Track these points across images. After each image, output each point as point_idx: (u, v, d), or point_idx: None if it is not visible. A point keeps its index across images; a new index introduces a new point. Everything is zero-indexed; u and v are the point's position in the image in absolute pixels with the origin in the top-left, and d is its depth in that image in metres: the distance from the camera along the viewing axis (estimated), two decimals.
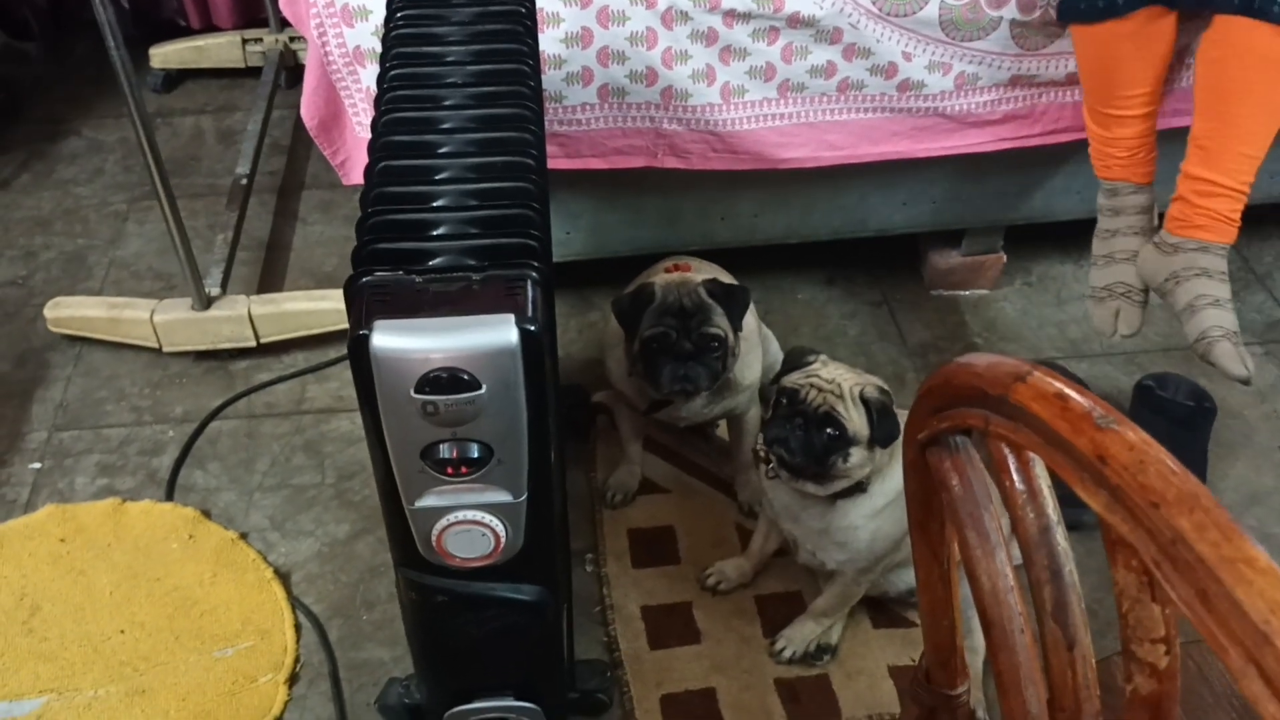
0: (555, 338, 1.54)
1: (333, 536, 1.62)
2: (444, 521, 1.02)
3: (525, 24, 1.30)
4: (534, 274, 0.96)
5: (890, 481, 1.37)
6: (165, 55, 2.51)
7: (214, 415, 1.79)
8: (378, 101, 1.19)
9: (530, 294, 0.94)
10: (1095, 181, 1.86)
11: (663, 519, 1.66)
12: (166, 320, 1.81)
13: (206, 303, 1.82)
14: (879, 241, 1.98)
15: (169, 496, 1.67)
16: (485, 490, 1.01)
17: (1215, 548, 0.40)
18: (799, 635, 1.47)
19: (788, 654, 1.47)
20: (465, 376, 0.91)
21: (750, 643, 1.51)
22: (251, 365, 1.88)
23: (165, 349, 1.85)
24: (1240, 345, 1.53)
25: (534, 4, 1.32)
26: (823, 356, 1.38)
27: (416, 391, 0.91)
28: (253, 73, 2.52)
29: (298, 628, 1.51)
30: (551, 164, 1.66)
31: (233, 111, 2.49)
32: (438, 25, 1.27)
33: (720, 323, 1.46)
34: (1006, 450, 0.52)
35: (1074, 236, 1.93)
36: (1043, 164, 1.85)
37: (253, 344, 1.85)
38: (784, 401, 1.34)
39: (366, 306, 0.92)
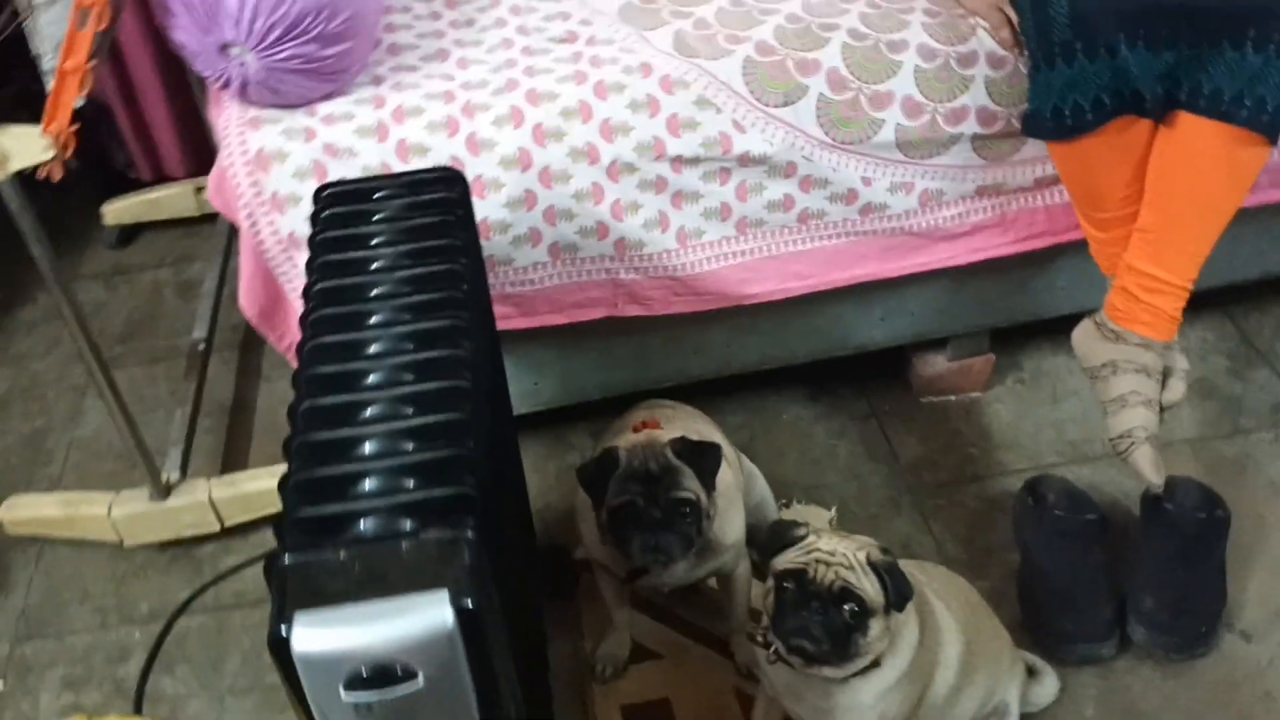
0: (516, 520, 1.46)
1: None
2: None
3: (457, 210, 1.23)
4: (469, 534, 0.88)
5: (901, 655, 1.28)
6: (118, 211, 2.45)
7: (180, 611, 1.70)
8: (303, 321, 1.12)
9: (466, 561, 0.86)
10: (1079, 276, 1.80)
11: (657, 690, 1.56)
12: (125, 515, 1.74)
13: (165, 491, 1.74)
14: (863, 352, 1.91)
15: (137, 709, 1.58)
16: None
17: None
18: None
19: None
20: (398, 668, 0.83)
21: None
22: (218, 548, 1.80)
23: (126, 543, 1.77)
24: (1160, 450, 1.50)
25: (466, 187, 1.25)
26: (811, 526, 1.30)
27: (347, 690, 0.83)
28: (210, 219, 2.46)
29: None
30: (508, 324, 1.60)
31: (191, 262, 2.43)
32: (364, 224, 1.20)
33: (690, 485, 1.37)
34: None
35: (1063, 328, 1.84)
36: (1021, 266, 1.78)
37: (217, 529, 1.77)
38: (789, 586, 1.25)
39: (286, 596, 0.84)
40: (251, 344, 2.22)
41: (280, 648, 0.82)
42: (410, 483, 0.94)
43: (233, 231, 2.37)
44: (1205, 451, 1.82)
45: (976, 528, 1.75)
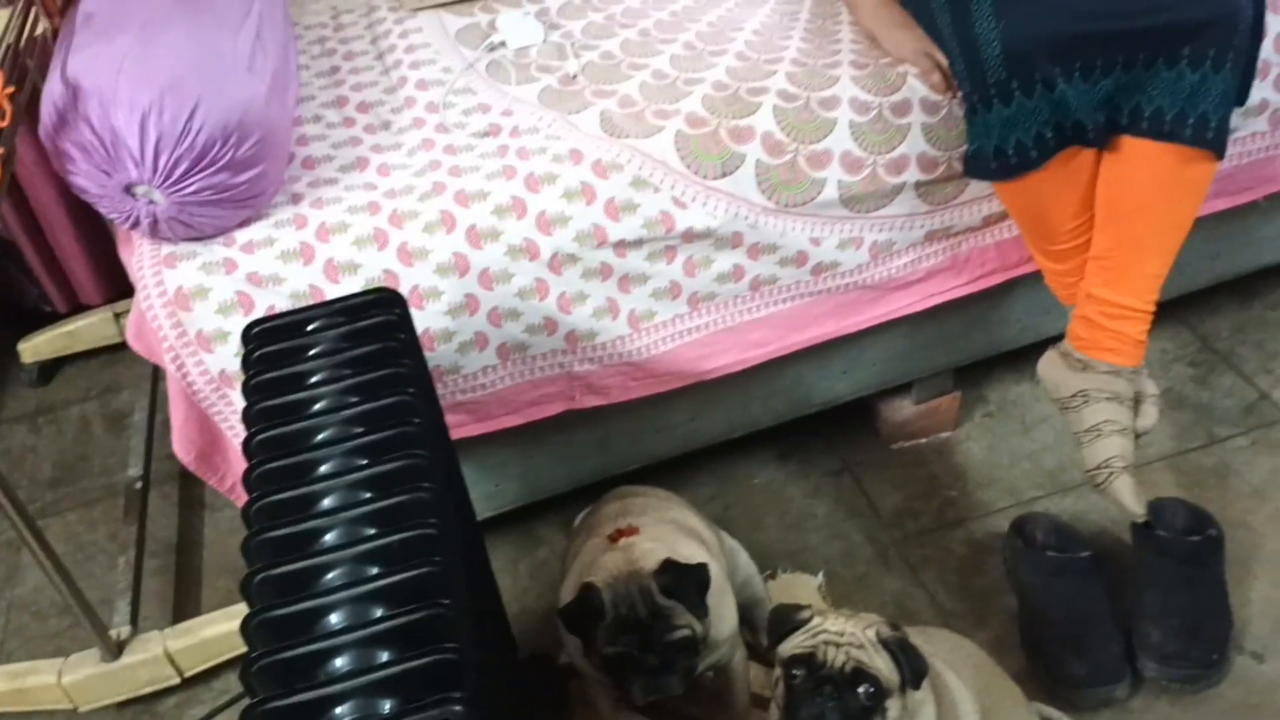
0: (493, 635, 1.38)
1: None
2: None
3: (398, 334, 1.16)
4: (458, 708, 0.80)
5: None
6: (36, 347, 2.34)
7: None
8: (246, 478, 1.04)
9: None
10: (1035, 306, 1.77)
11: None
12: (76, 680, 1.62)
13: (117, 649, 1.63)
14: None
15: None
16: None
17: None
18: None
19: None
20: None
21: None
22: (181, 701, 1.69)
23: (81, 709, 1.65)
24: (1138, 479, 1.47)
25: (405, 307, 1.18)
26: (813, 607, 1.23)
27: None
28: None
29: None
30: (462, 432, 1.52)
31: (118, 392, 2.32)
32: (300, 363, 1.13)
33: (683, 621, 1.30)
34: None
35: (1024, 355, 1.82)
36: (978, 303, 1.74)
37: (176, 681, 1.66)
38: (799, 673, 1.18)
39: None
40: (191, 474, 2.11)
41: None
42: (385, 655, 0.86)
43: None
44: (1184, 465, 1.80)
45: (968, 574, 1.70)
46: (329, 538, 0.95)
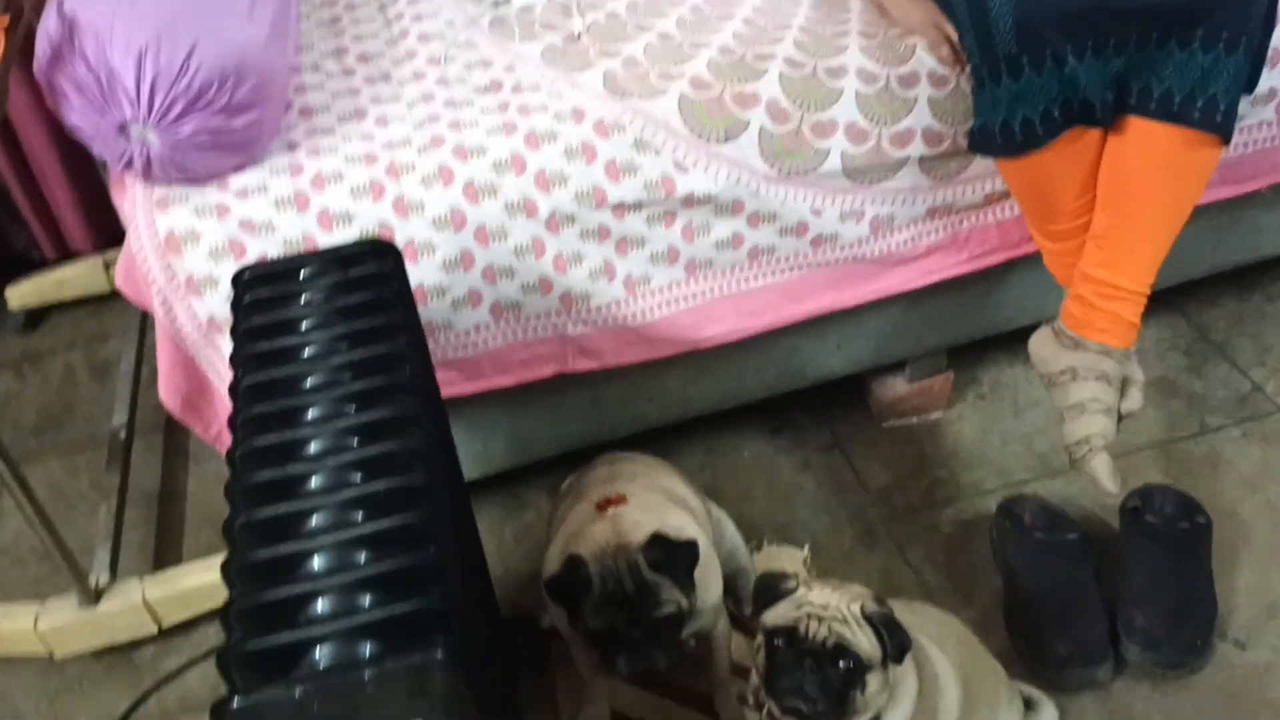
0: (479, 595, 1.37)
1: None
2: None
3: (391, 285, 1.14)
4: (439, 653, 0.79)
5: (900, 708, 1.21)
6: (23, 294, 2.31)
7: None
8: (232, 422, 1.03)
9: (438, 687, 0.78)
10: (1033, 288, 1.76)
11: None
12: (53, 626, 1.61)
13: (95, 596, 1.62)
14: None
15: None
16: None
17: None
18: None
19: None
20: None
21: None
22: (158, 650, 1.68)
23: (58, 655, 1.64)
24: (1116, 459, 1.47)
25: (399, 258, 1.17)
26: (800, 577, 1.23)
27: None
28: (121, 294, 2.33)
29: None
30: (453, 390, 1.51)
31: (105, 341, 2.29)
32: (291, 308, 1.11)
33: (670, 598, 1.29)
34: None
35: (1019, 338, 1.80)
36: (976, 283, 1.73)
37: (155, 631, 1.65)
38: (780, 643, 1.17)
39: None
40: (176, 424, 2.08)
41: None
42: (367, 600, 0.85)
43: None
44: (1175, 453, 1.79)
45: (954, 552, 1.70)
46: (314, 482, 0.94)
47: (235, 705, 0.78)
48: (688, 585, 1.33)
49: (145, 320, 2.19)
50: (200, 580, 1.65)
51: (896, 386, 1.88)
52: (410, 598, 0.84)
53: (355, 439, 0.97)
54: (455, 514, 1.18)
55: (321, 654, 0.81)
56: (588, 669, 1.52)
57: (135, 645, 1.68)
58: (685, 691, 1.56)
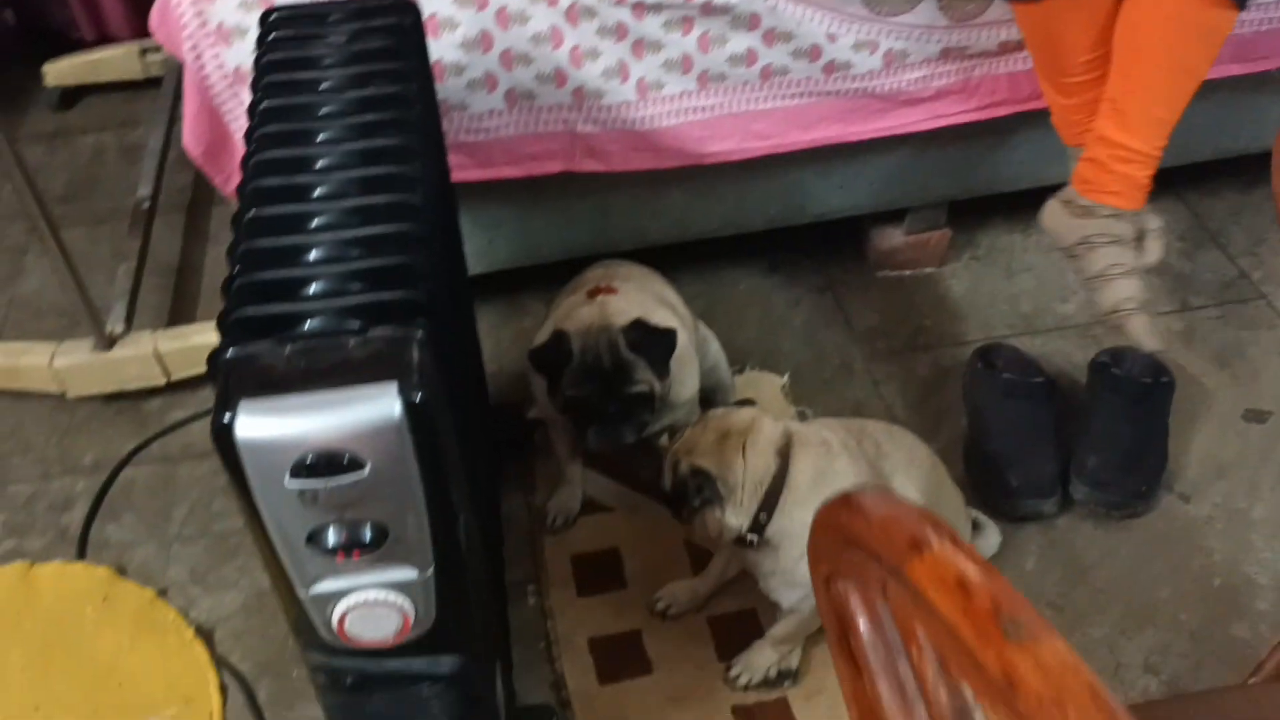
0: (470, 373, 1.45)
1: (258, 586, 1.53)
2: (343, 605, 0.93)
3: (409, 39, 1.19)
4: (419, 333, 0.87)
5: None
6: (60, 71, 2.37)
7: (126, 462, 1.68)
8: (248, 137, 1.09)
9: (415, 357, 0.85)
10: (1039, 149, 1.79)
11: (607, 541, 1.58)
12: (68, 365, 1.70)
13: (109, 342, 1.71)
14: (821, 224, 1.90)
15: (81, 555, 1.57)
16: (386, 568, 0.91)
17: None
18: (757, 662, 1.40)
19: (744, 681, 1.40)
20: (345, 458, 0.82)
21: (705, 668, 1.44)
22: (165, 403, 1.77)
23: (70, 394, 1.74)
24: (1154, 316, 1.51)
25: (419, 17, 1.21)
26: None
27: (292, 477, 0.82)
28: (155, 83, 2.38)
29: (223, 690, 1.42)
30: (462, 175, 1.56)
31: (135, 126, 2.35)
32: (312, 47, 1.16)
33: (644, 378, 1.38)
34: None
35: (1021, 204, 1.85)
36: (983, 136, 1.77)
37: (163, 382, 1.74)
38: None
39: (230, 386, 0.83)
40: (198, 206, 2.17)
41: (224, 436, 0.81)
42: (357, 286, 0.92)
43: (178, 96, 2.29)
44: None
45: (927, 393, 1.77)
46: (318, 191, 1.00)
47: (229, 355, 0.86)
48: (662, 371, 1.41)
49: (175, 109, 2.25)
50: (211, 339, 1.70)
51: (894, 237, 1.93)
52: (398, 288, 0.91)
53: (360, 160, 1.04)
54: (450, 265, 1.26)
55: (311, 325, 0.89)
56: (564, 452, 1.61)
57: (144, 395, 1.77)
58: (655, 488, 1.64)
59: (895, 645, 0.43)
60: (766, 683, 1.40)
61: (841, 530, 0.41)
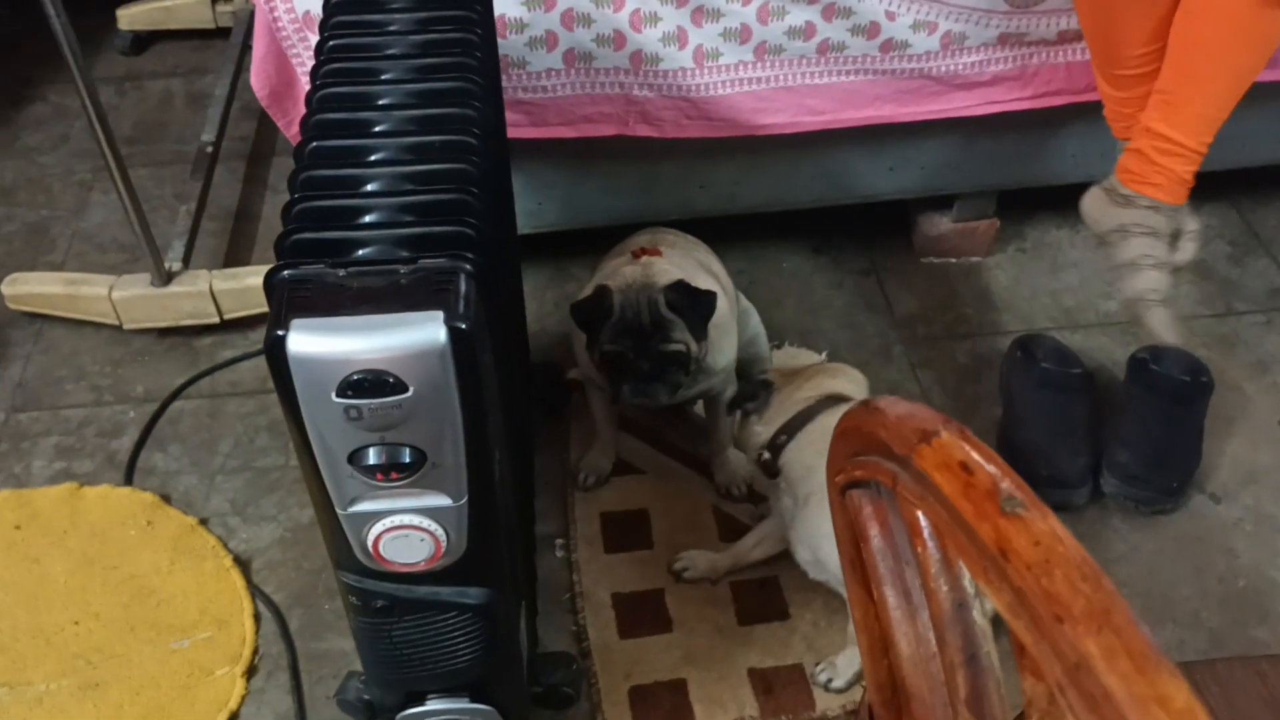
0: (512, 327, 1.48)
1: (295, 521, 1.57)
2: (379, 527, 0.96)
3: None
4: (468, 266, 0.89)
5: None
6: (132, 16, 2.43)
7: (176, 395, 1.73)
8: (314, 74, 1.12)
9: (463, 288, 0.88)
10: (1090, 144, 1.79)
11: (637, 502, 1.60)
12: (125, 297, 1.76)
13: (167, 278, 1.76)
14: (867, 208, 1.91)
15: (128, 480, 1.62)
16: (422, 494, 0.95)
17: (1125, 681, 0.33)
18: (847, 664, 1.39)
19: (837, 684, 1.39)
20: (390, 379, 0.85)
21: (723, 631, 1.46)
22: (216, 342, 1.82)
23: (125, 326, 1.79)
24: (1172, 311, 1.52)
25: None
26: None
27: (339, 395, 0.85)
28: (224, 33, 2.43)
29: (257, 617, 1.47)
30: (518, 133, 1.59)
31: (203, 74, 2.41)
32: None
33: (680, 338, 1.39)
34: (919, 512, 0.45)
35: (1070, 199, 1.84)
36: (1036, 126, 1.77)
37: (216, 320, 1.79)
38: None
39: (284, 304, 0.86)
40: (260, 156, 2.22)
41: (276, 351, 0.84)
42: (410, 218, 0.95)
43: (245, 47, 2.35)
44: (1197, 328, 1.84)
45: (964, 381, 1.78)
46: (379, 127, 1.04)
47: (285, 275, 0.89)
48: (700, 333, 1.43)
49: (242, 58, 2.30)
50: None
51: (941, 224, 1.94)
52: (449, 223, 0.94)
53: (421, 100, 1.07)
54: (501, 218, 1.29)
55: (364, 252, 0.92)
56: (600, 413, 1.64)
57: (196, 332, 1.82)
58: (686, 454, 1.67)
59: (903, 554, 0.45)
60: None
61: (860, 431, 0.43)
